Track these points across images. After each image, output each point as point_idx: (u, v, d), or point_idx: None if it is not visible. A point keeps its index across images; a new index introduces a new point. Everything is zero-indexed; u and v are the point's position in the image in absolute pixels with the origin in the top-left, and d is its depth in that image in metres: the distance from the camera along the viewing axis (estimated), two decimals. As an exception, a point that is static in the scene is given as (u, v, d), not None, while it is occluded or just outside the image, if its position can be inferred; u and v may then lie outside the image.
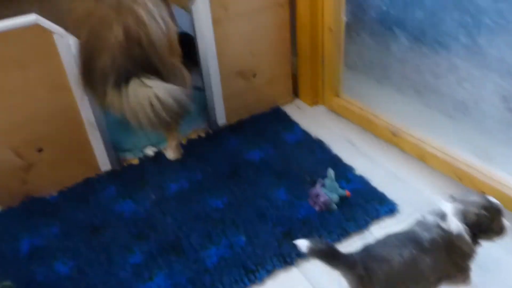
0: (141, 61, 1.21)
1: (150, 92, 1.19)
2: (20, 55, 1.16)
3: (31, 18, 1.14)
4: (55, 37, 1.18)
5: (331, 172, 1.28)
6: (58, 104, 1.26)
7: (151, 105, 1.18)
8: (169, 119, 1.22)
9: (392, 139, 1.47)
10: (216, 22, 1.41)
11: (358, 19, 1.43)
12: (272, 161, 1.44)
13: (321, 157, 1.46)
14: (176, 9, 2.18)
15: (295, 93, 1.77)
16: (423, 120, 1.40)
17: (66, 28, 1.17)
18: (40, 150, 1.30)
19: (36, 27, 1.14)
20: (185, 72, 1.34)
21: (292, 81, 1.72)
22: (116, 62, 1.19)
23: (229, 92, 1.56)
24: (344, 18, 1.47)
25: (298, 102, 1.77)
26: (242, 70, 1.55)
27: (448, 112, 1.31)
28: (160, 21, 1.25)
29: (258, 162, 1.44)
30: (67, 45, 1.20)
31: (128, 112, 1.22)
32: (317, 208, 1.26)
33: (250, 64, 1.56)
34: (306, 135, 1.56)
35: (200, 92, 1.65)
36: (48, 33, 1.16)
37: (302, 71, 1.69)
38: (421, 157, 1.40)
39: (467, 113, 1.23)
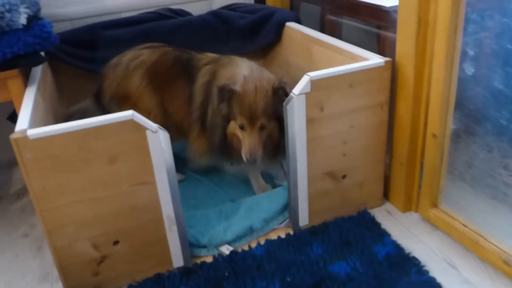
0: None
1: None
2: (112, 149, 1.14)
3: (127, 113, 1.12)
4: (147, 132, 1.15)
5: (433, 308, 1.10)
6: (141, 198, 1.22)
7: None
8: None
9: (503, 268, 1.25)
10: (310, 121, 1.33)
11: (469, 128, 1.29)
12: (359, 279, 1.28)
13: (416, 281, 1.27)
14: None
15: (385, 196, 1.62)
16: (544, 250, 1.19)
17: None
18: (116, 243, 1.25)
19: (130, 122, 1.13)
20: None
21: (384, 182, 1.58)
22: None
23: (314, 193, 1.45)
24: (451, 126, 1.33)
25: (388, 206, 1.61)
26: (332, 171, 1.44)
27: None
28: None
29: (344, 278, 1.28)
30: (157, 140, 1.17)
31: None
32: None
33: (341, 165, 1.45)
34: (398, 249, 1.39)
35: (283, 190, 1.55)
36: (141, 128, 1.14)
37: (395, 173, 1.54)
38: (541, 295, 1.17)
39: None
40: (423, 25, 1.28)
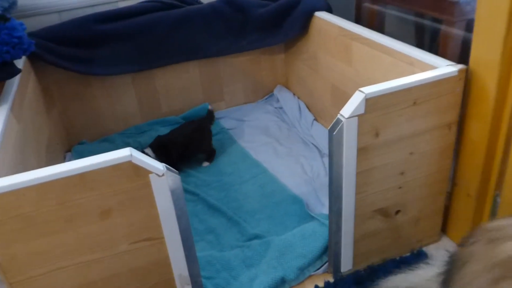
0: None
1: None
2: (103, 201, 0.84)
3: (124, 153, 0.82)
4: (151, 177, 0.85)
5: None
6: (144, 258, 0.93)
7: None
8: None
9: None
10: (362, 151, 1.02)
11: None
12: None
13: None
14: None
15: (443, 230, 1.33)
16: None
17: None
18: (114, 313, 0.96)
19: (128, 165, 0.83)
20: None
21: (442, 214, 1.28)
22: None
23: (361, 234, 1.16)
24: (546, 154, 1.03)
25: (447, 242, 1.31)
26: (384, 208, 1.15)
27: None
28: None
29: None
30: (165, 185, 0.87)
31: None
32: None
33: (395, 199, 1.15)
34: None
35: (321, 227, 1.26)
36: (143, 172, 0.85)
37: (459, 205, 1.25)
38: None
39: None
40: (515, 23, 0.96)
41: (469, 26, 1.09)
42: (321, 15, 1.61)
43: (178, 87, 1.89)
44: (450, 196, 1.27)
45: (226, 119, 1.97)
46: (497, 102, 1.05)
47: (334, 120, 0.99)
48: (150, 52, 1.73)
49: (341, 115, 0.98)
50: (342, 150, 1.00)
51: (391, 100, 1.00)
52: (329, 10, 1.64)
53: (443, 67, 1.06)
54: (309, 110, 1.88)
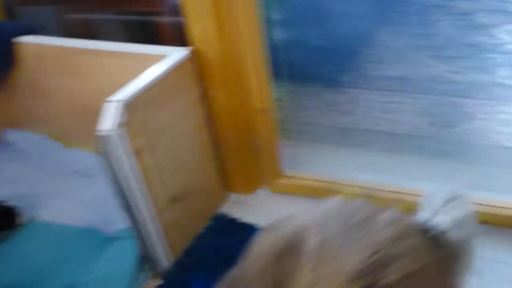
0: None
1: None
2: None
3: None
4: None
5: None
6: None
7: None
8: None
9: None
10: (138, 154, 1.04)
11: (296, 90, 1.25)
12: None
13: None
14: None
15: (228, 188, 1.49)
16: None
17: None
18: None
19: None
20: None
21: (220, 176, 1.44)
22: None
23: (167, 224, 1.20)
24: (276, 95, 1.27)
25: (234, 196, 1.49)
26: (175, 193, 1.21)
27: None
28: None
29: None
30: None
31: None
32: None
33: (181, 181, 1.23)
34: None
35: (123, 242, 1.24)
36: None
37: (230, 161, 1.42)
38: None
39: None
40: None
41: (178, 12, 1.20)
42: (27, 40, 1.48)
43: None
44: (221, 158, 1.43)
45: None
46: (225, 69, 1.22)
47: (100, 138, 0.97)
48: None
49: (108, 130, 0.97)
50: (122, 163, 1.00)
51: (146, 97, 1.04)
52: (34, 31, 1.51)
53: (177, 53, 1.15)
54: (55, 139, 1.75)
